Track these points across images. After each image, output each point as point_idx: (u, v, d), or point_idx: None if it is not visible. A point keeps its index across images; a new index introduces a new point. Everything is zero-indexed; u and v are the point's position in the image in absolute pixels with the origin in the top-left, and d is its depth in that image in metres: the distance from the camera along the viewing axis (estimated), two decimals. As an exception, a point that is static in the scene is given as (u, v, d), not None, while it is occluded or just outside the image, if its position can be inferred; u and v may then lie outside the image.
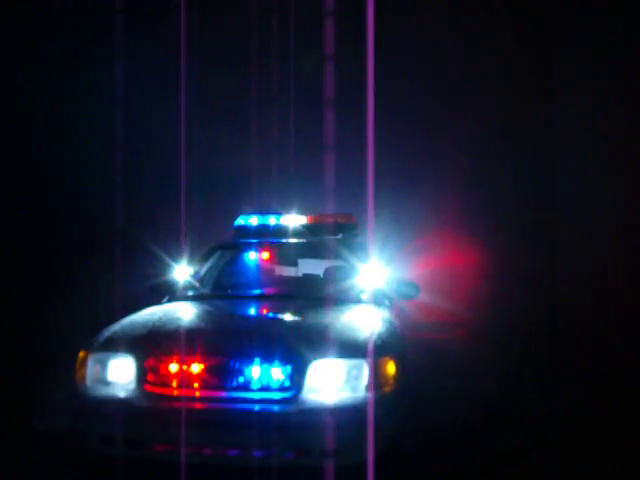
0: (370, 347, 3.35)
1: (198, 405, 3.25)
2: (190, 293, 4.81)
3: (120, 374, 3.40)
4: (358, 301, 4.52)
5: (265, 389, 3.27)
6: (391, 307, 4.53)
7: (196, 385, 3.30)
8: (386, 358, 3.38)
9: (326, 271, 5.23)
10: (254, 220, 5.44)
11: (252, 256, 5.55)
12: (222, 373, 3.32)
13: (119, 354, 3.44)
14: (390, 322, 4.00)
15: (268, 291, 5.06)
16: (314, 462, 3.16)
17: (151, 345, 3.51)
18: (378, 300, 4.49)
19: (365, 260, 4.87)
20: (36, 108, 8.36)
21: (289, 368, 3.28)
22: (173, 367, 3.34)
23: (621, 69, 8.05)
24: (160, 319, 3.92)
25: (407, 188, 8.54)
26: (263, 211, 5.55)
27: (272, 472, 3.22)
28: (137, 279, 5.58)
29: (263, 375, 3.29)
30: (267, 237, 5.39)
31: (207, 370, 3.31)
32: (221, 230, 6.19)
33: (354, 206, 5.96)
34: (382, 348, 3.41)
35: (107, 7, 7.98)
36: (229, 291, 5.07)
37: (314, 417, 3.17)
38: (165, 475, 3.24)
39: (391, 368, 3.38)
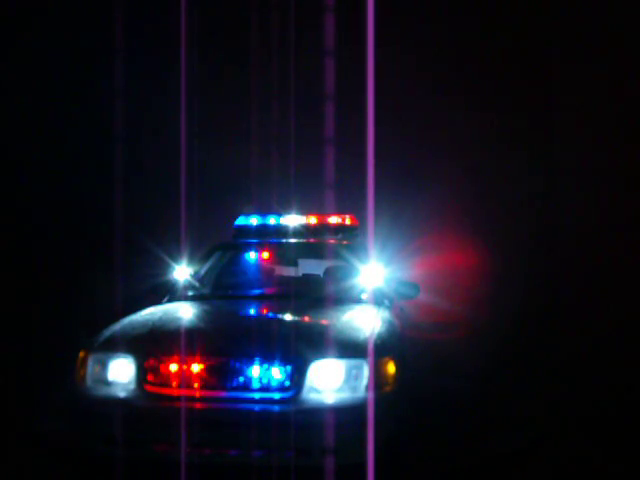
0: (370, 347, 3.35)
1: (198, 405, 3.25)
2: (190, 293, 4.81)
3: (120, 374, 3.40)
4: (358, 301, 4.53)
5: (265, 389, 3.27)
6: (391, 307, 4.53)
7: (196, 385, 3.30)
8: (386, 358, 3.38)
9: (326, 271, 5.24)
10: (254, 220, 5.45)
11: (252, 256, 5.55)
12: (222, 373, 3.32)
13: (119, 354, 3.44)
14: (390, 322, 4.00)
15: (268, 291, 5.05)
16: (314, 462, 3.16)
17: (151, 345, 3.51)
18: (378, 300, 4.49)
19: (365, 260, 4.87)
20: (36, 109, 8.36)
21: (289, 368, 3.28)
22: (173, 367, 3.34)
23: (621, 70, 8.05)
24: (160, 319, 3.92)
25: (407, 188, 8.54)
26: (263, 211, 5.56)
27: (272, 472, 3.22)
28: (137, 279, 5.58)
29: (263, 375, 3.29)
30: (267, 237, 5.40)
31: (207, 370, 3.31)
32: (221, 230, 6.19)
33: (354, 206, 5.96)
34: (382, 348, 3.41)
35: (105, 6, 7.98)
36: (229, 291, 5.07)
37: (314, 417, 3.17)
38: (165, 475, 3.25)
39: (391, 368, 3.39)
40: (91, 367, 3.45)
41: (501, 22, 8.83)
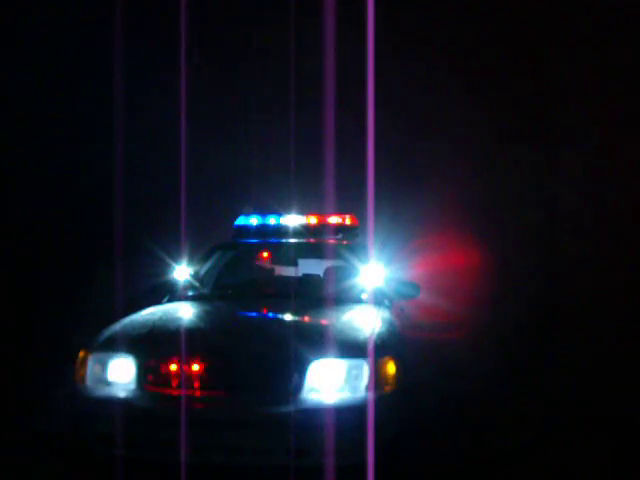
0: (370, 347, 3.35)
1: (198, 405, 3.25)
2: (190, 293, 4.81)
3: (120, 374, 3.40)
4: (358, 301, 4.52)
5: (265, 389, 3.27)
6: (391, 307, 4.53)
7: (196, 385, 3.30)
8: (386, 358, 3.38)
9: (326, 271, 5.23)
10: (254, 220, 5.45)
11: (252, 256, 5.55)
12: (222, 373, 3.32)
13: (119, 354, 3.44)
14: (390, 322, 4.00)
15: (268, 291, 5.05)
16: (314, 462, 3.15)
17: (151, 345, 3.52)
18: (378, 300, 4.49)
19: (365, 260, 4.87)
20: (36, 110, 8.36)
21: (289, 368, 3.27)
22: (173, 367, 3.34)
23: (621, 66, 8.06)
24: (160, 319, 3.93)
25: (407, 188, 8.54)
26: (263, 211, 5.55)
27: (272, 472, 3.22)
28: (137, 279, 5.58)
29: (263, 375, 3.28)
30: (267, 237, 5.39)
31: (207, 370, 3.31)
32: (221, 230, 6.19)
33: (354, 206, 5.96)
34: (382, 348, 3.41)
35: (105, 7, 7.98)
36: (229, 291, 5.07)
37: (314, 417, 3.16)
38: (165, 475, 3.24)
39: (391, 368, 3.39)
40: (91, 367, 3.45)
41: (503, 20, 8.82)
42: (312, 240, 5.33)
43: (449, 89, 8.81)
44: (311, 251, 5.60)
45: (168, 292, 4.78)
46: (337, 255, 5.23)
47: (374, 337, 3.48)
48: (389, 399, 3.31)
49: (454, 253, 8.32)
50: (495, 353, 6.43)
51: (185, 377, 3.29)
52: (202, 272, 5.12)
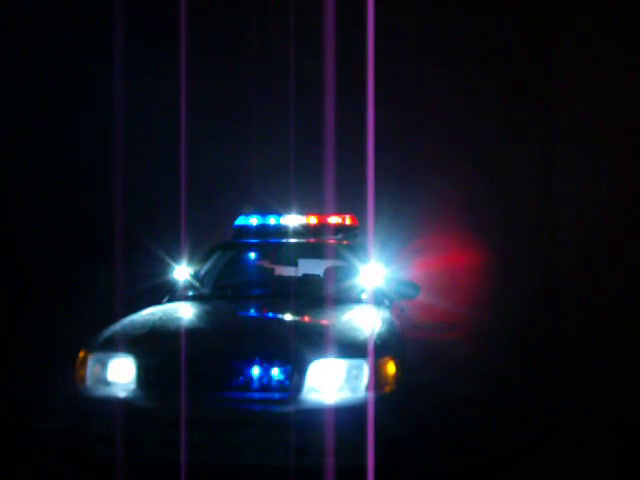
0: (370, 347, 3.35)
1: (198, 405, 3.25)
2: (190, 293, 4.81)
3: (120, 374, 3.40)
4: (358, 301, 4.53)
5: (265, 389, 3.27)
6: (391, 307, 4.53)
7: (196, 385, 3.29)
8: (386, 358, 3.38)
9: (326, 271, 5.24)
10: (254, 220, 5.45)
11: (252, 256, 5.55)
12: (222, 373, 3.32)
13: (119, 354, 3.44)
14: (390, 322, 4.00)
15: (268, 291, 5.05)
16: (314, 462, 3.15)
17: (151, 345, 3.52)
18: (378, 300, 4.49)
19: (365, 260, 4.87)
20: (36, 109, 8.36)
21: (289, 368, 3.28)
22: (173, 367, 3.33)
23: (621, 66, 8.05)
24: (160, 319, 3.93)
25: (407, 187, 8.53)
26: (263, 211, 5.56)
27: (272, 472, 3.22)
28: (137, 279, 5.58)
29: (263, 375, 3.28)
30: (267, 237, 5.40)
31: (207, 370, 3.31)
32: (221, 230, 6.19)
33: (354, 206, 5.96)
34: (382, 348, 3.41)
35: (103, 6, 7.97)
36: (229, 291, 5.07)
37: (314, 417, 3.16)
38: (165, 475, 3.24)
39: (391, 368, 3.39)
40: (91, 367, 3.45)
41: (504, 20, 8.81)
42: (312, 240, 5.34)
43: (450, 88, 8.80)
44: (311, 251, 5.61)
45: (168, 292, 4.78)
46: (337, 255, 5.24)
47: (374, 337, 3.48)
48: (389, 399, 3.31)
49: (454, 253, 8.32)
50: (495, 353, 6.43)
51: (185, 377, 3.29)
52: (202, 272, 5.13)
